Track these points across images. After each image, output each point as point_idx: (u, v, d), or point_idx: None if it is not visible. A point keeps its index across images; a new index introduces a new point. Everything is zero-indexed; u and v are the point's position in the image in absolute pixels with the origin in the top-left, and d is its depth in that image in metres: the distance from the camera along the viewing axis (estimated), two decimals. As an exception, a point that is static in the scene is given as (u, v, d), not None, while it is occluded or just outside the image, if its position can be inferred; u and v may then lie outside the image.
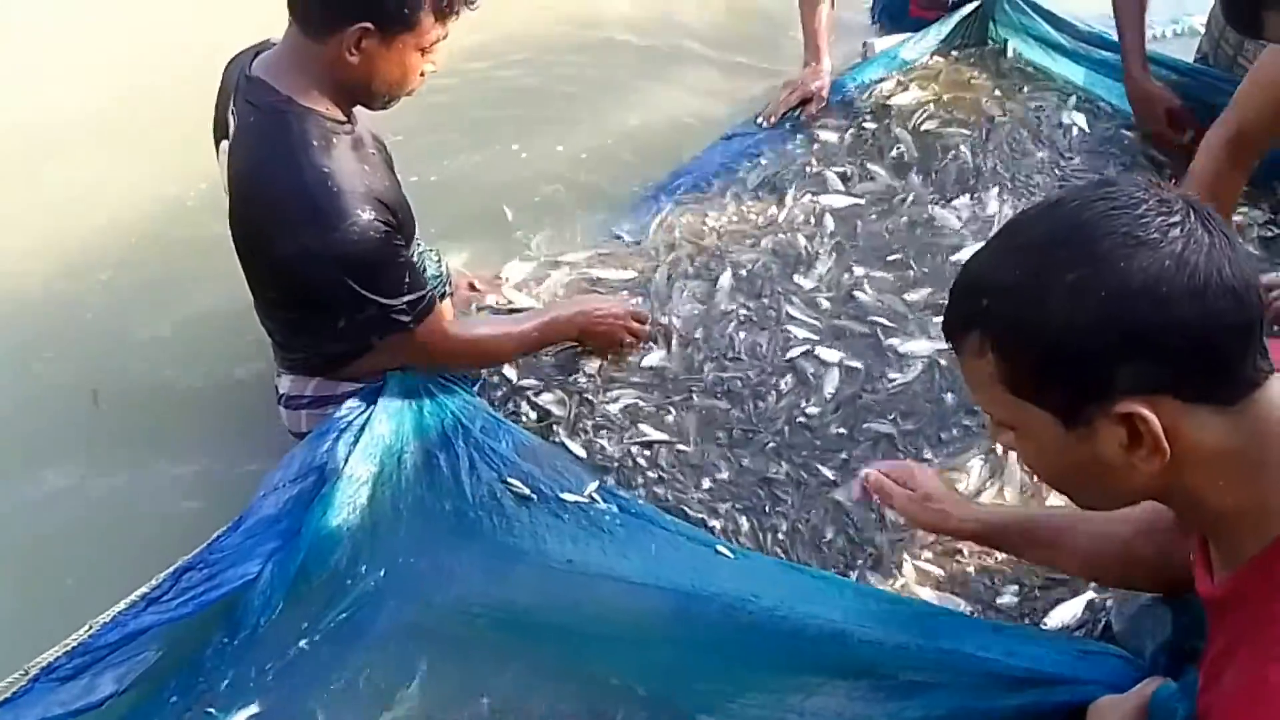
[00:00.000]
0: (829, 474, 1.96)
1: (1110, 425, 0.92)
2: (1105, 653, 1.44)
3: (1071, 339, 0.91)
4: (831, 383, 2.10)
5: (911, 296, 2.25)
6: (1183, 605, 1.36)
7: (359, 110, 1.82)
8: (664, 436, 2.02)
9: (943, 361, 2.10)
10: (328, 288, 1.74)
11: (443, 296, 2.05)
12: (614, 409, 2.07)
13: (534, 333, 2.03)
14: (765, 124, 2.67)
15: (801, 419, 2.04)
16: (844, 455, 1.99)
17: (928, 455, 1.97)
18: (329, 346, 1.89)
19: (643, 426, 2.04)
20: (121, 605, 1.65)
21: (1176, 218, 0.89)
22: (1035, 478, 1.67)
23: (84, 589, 1.76)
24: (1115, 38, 2.60)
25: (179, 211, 2.67)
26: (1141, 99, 2.54)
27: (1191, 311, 0.87)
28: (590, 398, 2.09)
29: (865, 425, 2.03)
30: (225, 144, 1.78)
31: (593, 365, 2.13)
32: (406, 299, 1.80)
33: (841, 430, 2.03)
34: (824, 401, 2.07)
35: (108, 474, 2.15)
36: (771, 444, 2.01)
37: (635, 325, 2.13)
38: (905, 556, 1.81)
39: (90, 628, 1.61)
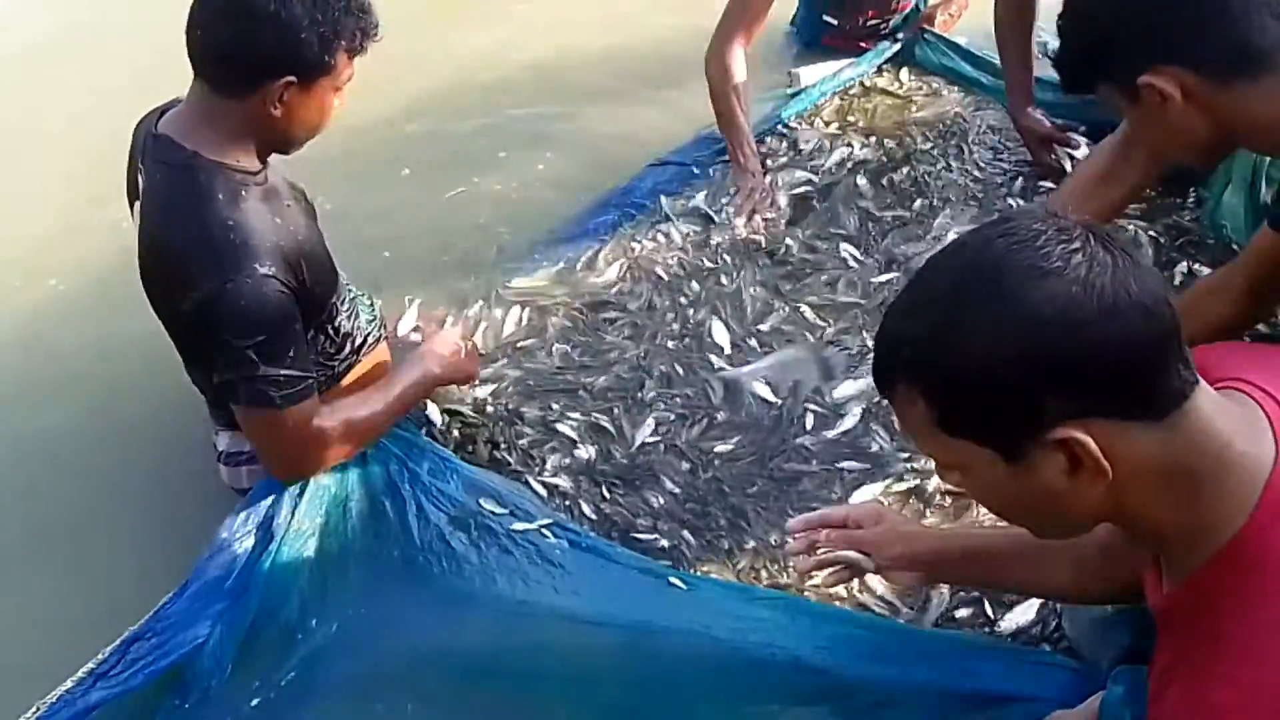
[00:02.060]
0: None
1: (1049, 454, 0.93)
2: (1055, 665, 1.46)
3: (994, 377, 0.91)
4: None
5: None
6: (1141, 613, 1.37)
7: (277, 161, 1.80)
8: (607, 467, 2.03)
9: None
10: (215, 340, 1.66)
11: (378, 341, 2.03)
12: (565, 429, 2.09)
13: (402, 402, 1.90)
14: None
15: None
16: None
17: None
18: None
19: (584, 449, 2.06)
20: (68, 684, 1.62)
21: (1076, 244, 0.90)
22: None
23: (31, 669, 1.70)
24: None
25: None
26: (1023, 133, 2.53)
27: (1106, 332, 0.88)
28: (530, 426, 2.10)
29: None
30: (138, 205, 1.75)
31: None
32: (285, 372, 1.69)
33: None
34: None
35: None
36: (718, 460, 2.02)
37: (468, 365, 2.07)
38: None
39: (37, 709, 1.58)
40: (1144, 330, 0.89)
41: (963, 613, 1.70)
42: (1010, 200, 2.44)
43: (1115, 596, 1.42)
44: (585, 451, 2.05)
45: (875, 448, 2.00)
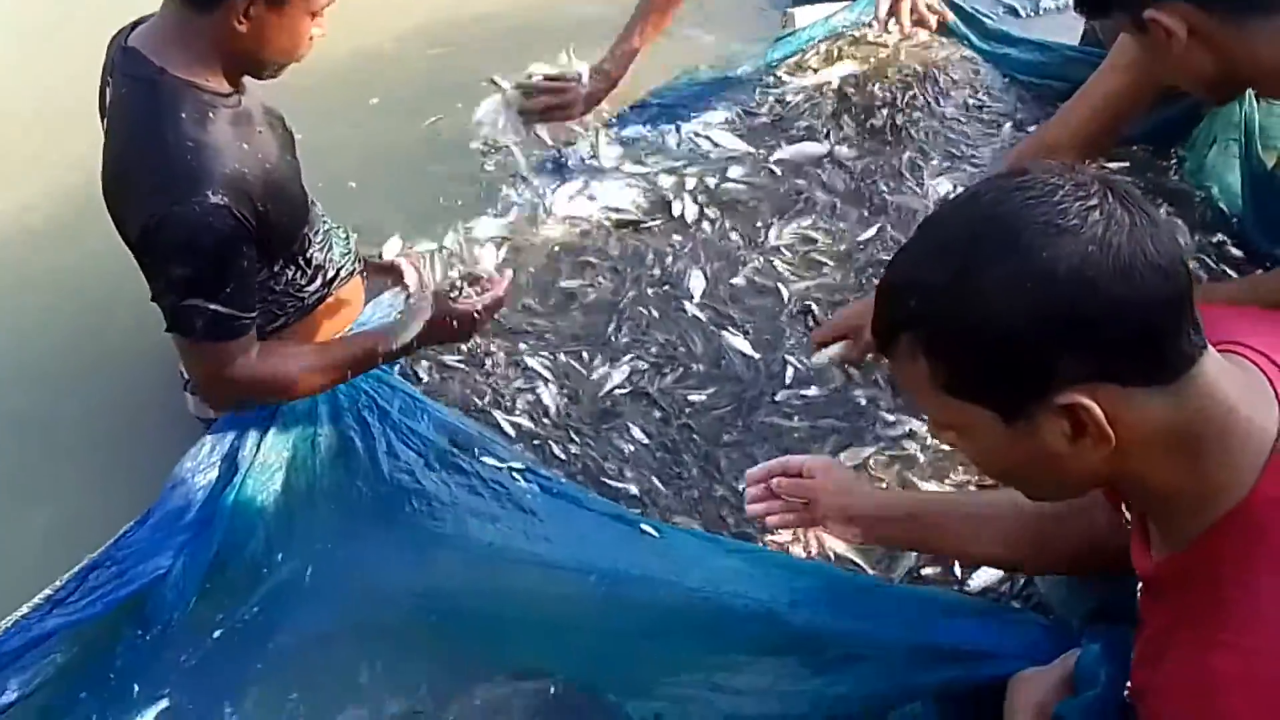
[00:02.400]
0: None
1: (1052, 418, 0.91)
2: (1027, 622, 1.45)
3: (1002, 335, 0.89)
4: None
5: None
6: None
7: (254, 86, 1.74)
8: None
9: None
10: (154, 264, 1.62)
11: (351, 274, 1.99)
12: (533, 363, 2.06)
13: (367, 360, 1.82)
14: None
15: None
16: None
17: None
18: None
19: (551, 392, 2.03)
20: (24, 609, 1.59)
21: (1094, 200, 0.88)
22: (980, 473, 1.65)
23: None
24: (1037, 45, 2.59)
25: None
26: None
27: (1121, 293, 0.86)
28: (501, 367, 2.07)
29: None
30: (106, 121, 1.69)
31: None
32: (213, 307, 1.62)
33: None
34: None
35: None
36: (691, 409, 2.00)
37: (486, 318, 1.97)
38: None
39: (-9, 634, 1.55)
40: (1158, 292, 0.87)
41: (930, 570, 1.69)
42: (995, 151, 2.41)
43: (1049, 569, 1.45)
44: (555, 393, 2.02)
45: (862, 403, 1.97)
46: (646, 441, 1.95)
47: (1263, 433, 0.92)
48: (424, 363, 2.05)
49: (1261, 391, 0.94)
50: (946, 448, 1.79)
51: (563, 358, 2.08)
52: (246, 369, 1.70)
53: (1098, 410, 0.89)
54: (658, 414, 1.99)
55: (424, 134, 2.71)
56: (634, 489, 1.88)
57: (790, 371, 2.04)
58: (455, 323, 1.90)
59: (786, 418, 1.97)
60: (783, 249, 2.27)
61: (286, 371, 1.75)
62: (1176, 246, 0.90)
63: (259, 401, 1.80)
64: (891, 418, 1.93)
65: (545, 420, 1.99)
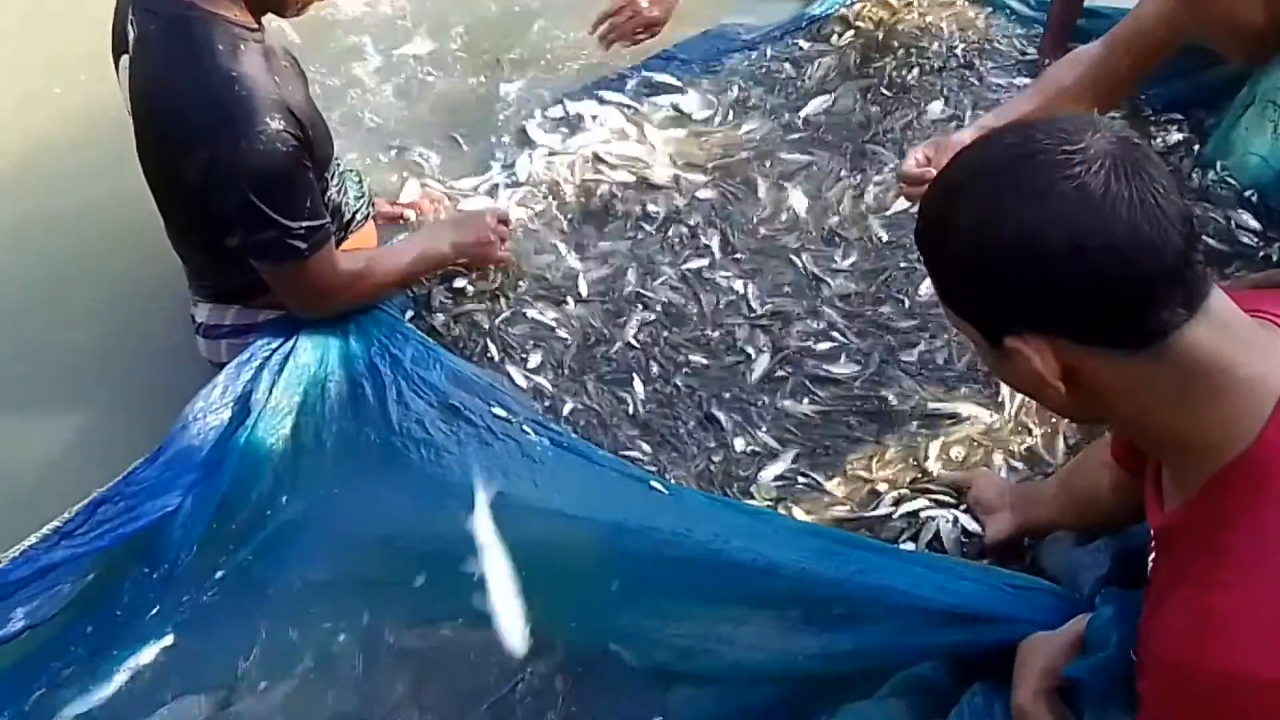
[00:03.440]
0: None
1: (1015, 352, 0.94)
2: (1038, 588, 1.44)
3: (963, 275, 0.96)
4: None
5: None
6: (1123, 538, 1.38)
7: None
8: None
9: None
10: (227, 201, 1.65)
11: (366, 219, 1.98)
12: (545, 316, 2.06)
13: (412, 266, 1.95)
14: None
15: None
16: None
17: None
18: (246, 273, 1.80)
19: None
20: (33, 539, 1.60)
21: (1095, 166, 0.88)
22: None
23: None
24: None
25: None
26: None
27: (1068, 269, 0.88)
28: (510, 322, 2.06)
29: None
30: (125, 59, 1.68)
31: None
32: (306, 224, 1.70)
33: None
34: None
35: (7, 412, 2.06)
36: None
37: (503, 230, 2.06)
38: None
39: (-1, 562, 1.55)
40: (1122, 270, 0.87)
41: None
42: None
43: None
44: (565, 348, 2.01)
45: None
46: (648, 398, 1.94)
47: (1267, 387, 0.91)
48: (438, 315, 2.04)
49: (1275, 349, 0.94)
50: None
51: (574, 310, 2.07)
52: (346, 270, 1.81)
53: (1038, 361, 0.93)
54: (657, 369, 1.98)
55: (444, 79, 2.67)
56: (641, 447, 1.87)
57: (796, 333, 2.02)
58: (471, 230, 2.00)
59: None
60: (799, 211, 2.24)
61: (378, 269, 1.88)
62: (1172, 228, 0.88)
63: (353, 304, 1.88)
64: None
65: (553, 374, 1.98)
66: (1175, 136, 2.22)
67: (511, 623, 1.65)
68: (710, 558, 1.57)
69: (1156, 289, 0.88)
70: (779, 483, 1.80)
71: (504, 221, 2.07)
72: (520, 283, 2.10)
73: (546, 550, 1.68)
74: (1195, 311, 0.90)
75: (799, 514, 1.75)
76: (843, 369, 1.94)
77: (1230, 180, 2.02)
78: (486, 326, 2.04)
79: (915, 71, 2.53)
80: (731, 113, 2.48)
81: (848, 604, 1.50)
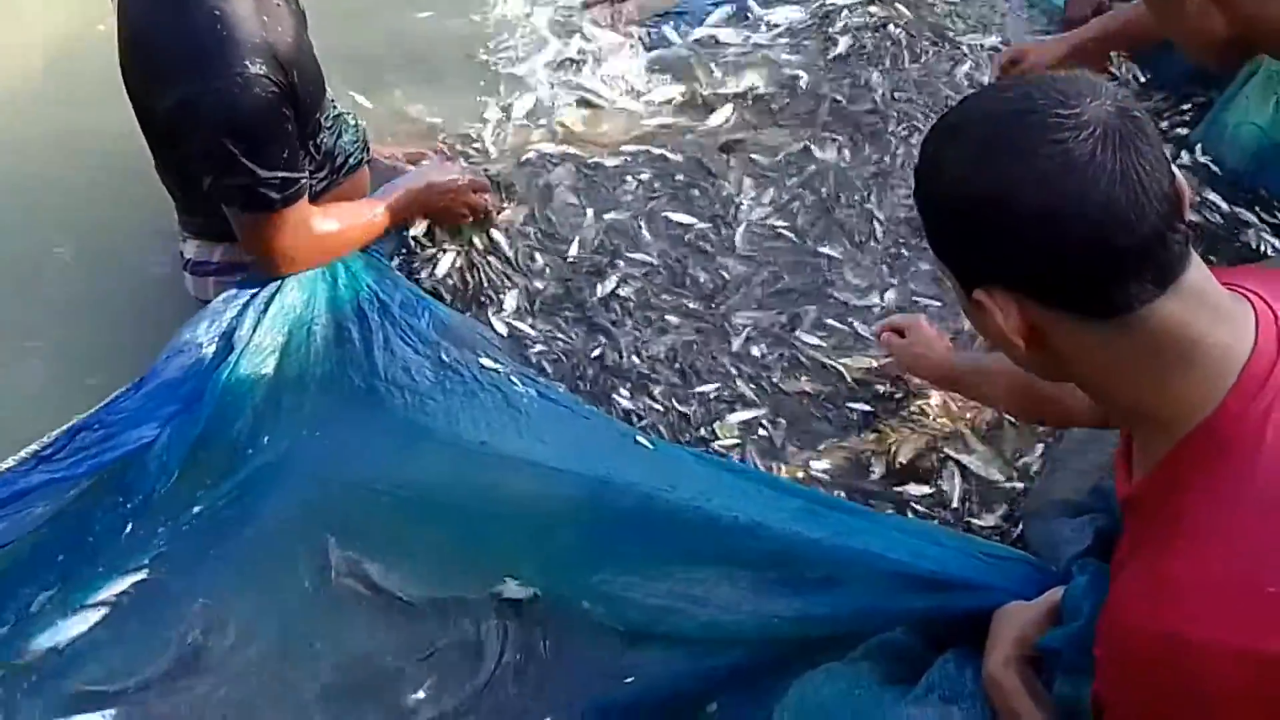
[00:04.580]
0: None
1: (983, 303, 0.95)
2: (1014, 558, 1.43)
3: (946, 222, 0.97)
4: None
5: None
6: (1105, 513, 1.37)
7: None
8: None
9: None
10: (201, 142, 1.61)
11: (359, 164, 1.96)
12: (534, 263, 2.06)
13: (383, 219, 1.91)
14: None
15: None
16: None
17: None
18: (232, 213, 1.78)
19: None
20: (10, 462, 1.59)
21: (1085, 134, 0.87)
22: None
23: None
24: None
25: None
26: (1068, 24, 2.39)
27: (1035, 234, 0.88)
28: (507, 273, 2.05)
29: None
30: None
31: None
32: (281, 174, 1.66)
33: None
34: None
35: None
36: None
37: (474, 200, 2.05)
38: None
39: (-24, 483, 1.54)
40: (1089, 242, 0.87)
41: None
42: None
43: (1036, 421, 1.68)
44: (550, 295, 2.02)
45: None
46: (632, 348, 1.94)
47: (1231, 357, 0.91)
48: (430, 266, 2.03)
49: (1243, 320, 0.93)
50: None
51: (564, 257, 2.07)
52: (319, 227, 1.76)
53: (1000, 316, 0.93)
54: (646, 320, 1.98)
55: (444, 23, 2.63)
56: (624, 398, 1.88)
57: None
58: (446, 183, 1.99)
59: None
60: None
61: (350, 226, 1.83)
62: (1150, 205, 0.87)
63: (326, 260, 1.84)
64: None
65: (536, 322, 1.98)
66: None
67: (487, 573, 1.65)
68: (692, 515, 1.56)
69: (1124, 264, 0.88)
70: (743, 428, 1.83)
71: (477, 189, 2.06)
72: (504, 228, 2.10)
73: (524, 499, 1.66)
74: (1167, 289, 0.89)
75: (757, 463, 1.78)
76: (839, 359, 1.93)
77: (1203, 162, 2.03)
78: (473, 277, 2.03)
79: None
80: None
81: (825, 566, 1.48)
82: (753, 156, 2.26)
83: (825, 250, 2.08)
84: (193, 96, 1.56)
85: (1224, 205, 1.99)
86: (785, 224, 2.14)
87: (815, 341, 1.94)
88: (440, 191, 2.00)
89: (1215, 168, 2.04)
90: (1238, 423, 0.90)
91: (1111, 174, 0.86)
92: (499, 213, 2.11)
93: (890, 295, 2.01)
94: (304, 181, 1.72)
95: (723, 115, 2.34)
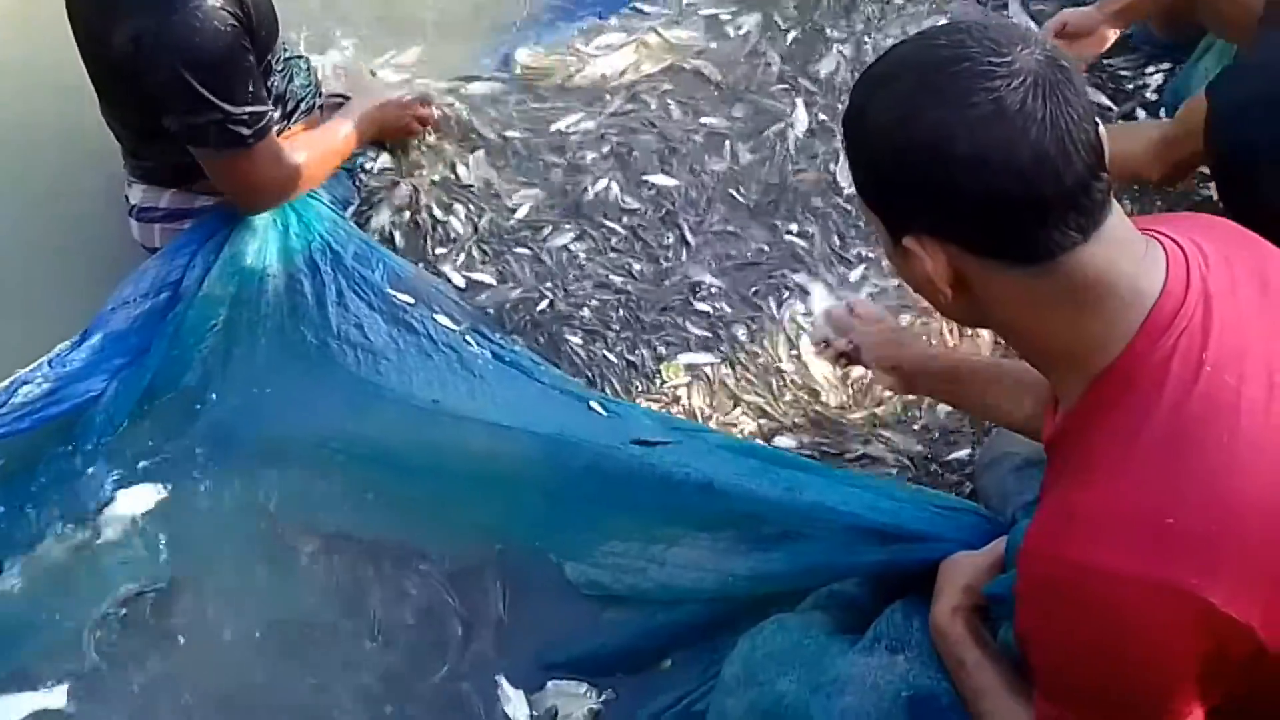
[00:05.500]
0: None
1: (911, 250, 0.95)
2: (965, 509, 1.44)
3: (875, 170, 0.97)
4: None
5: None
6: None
7: None
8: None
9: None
10: (157, 79, 1.58)
11: (311, 109, 1.93)
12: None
13: (346, 143, 1.91)
14: None
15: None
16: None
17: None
18: (182, 154, 1.72)
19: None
20: (-49, 417, 1.56)
21: (1015, 82, 0.87)
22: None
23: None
24: None
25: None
26: None
27: (967, 180, 0.88)
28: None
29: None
30: None
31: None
32: (250, 109, 1.63)
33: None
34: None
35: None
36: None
37: (423, 112, 2.06)
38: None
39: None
40: (1019, 189, 0.87)
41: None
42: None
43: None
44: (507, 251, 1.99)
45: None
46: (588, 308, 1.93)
47: (1145, 298, 0.93)
48: (385, 215, 2.00)
49: (1154, 263, 0.95)
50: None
51: (524, 214, 2.04)
52: (291, 160, 1.74)
53: (928, 263, 0.93)
54: (602, 279, 1.96)
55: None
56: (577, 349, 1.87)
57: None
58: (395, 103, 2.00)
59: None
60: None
61: (318, 153, 1.82)
62: (1076, 154, 0.88)
63: (302, 191, 1.82)
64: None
65: (488, 265, 1.97)
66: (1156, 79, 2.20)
67: (444, 530, 1.65)
68: (645, 471, 1.56)
69: (1050, 211, 0.89)
70: (691, 370, 1.83)
71: (422, 103, 2.08)
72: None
73: (481, 457, 1.65)
74: (1089, 236, 0.90)
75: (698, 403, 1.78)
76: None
77: None
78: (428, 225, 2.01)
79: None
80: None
81: (779, 522, 1.49)
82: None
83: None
84: (149, 30, 1.53)
85: None
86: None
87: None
88: (395, 106, 2.01)
89: None
90: (1144, 361, 0.92)
91: (1041, 123, 0.86)
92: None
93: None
94: (272, 114, 1.70)
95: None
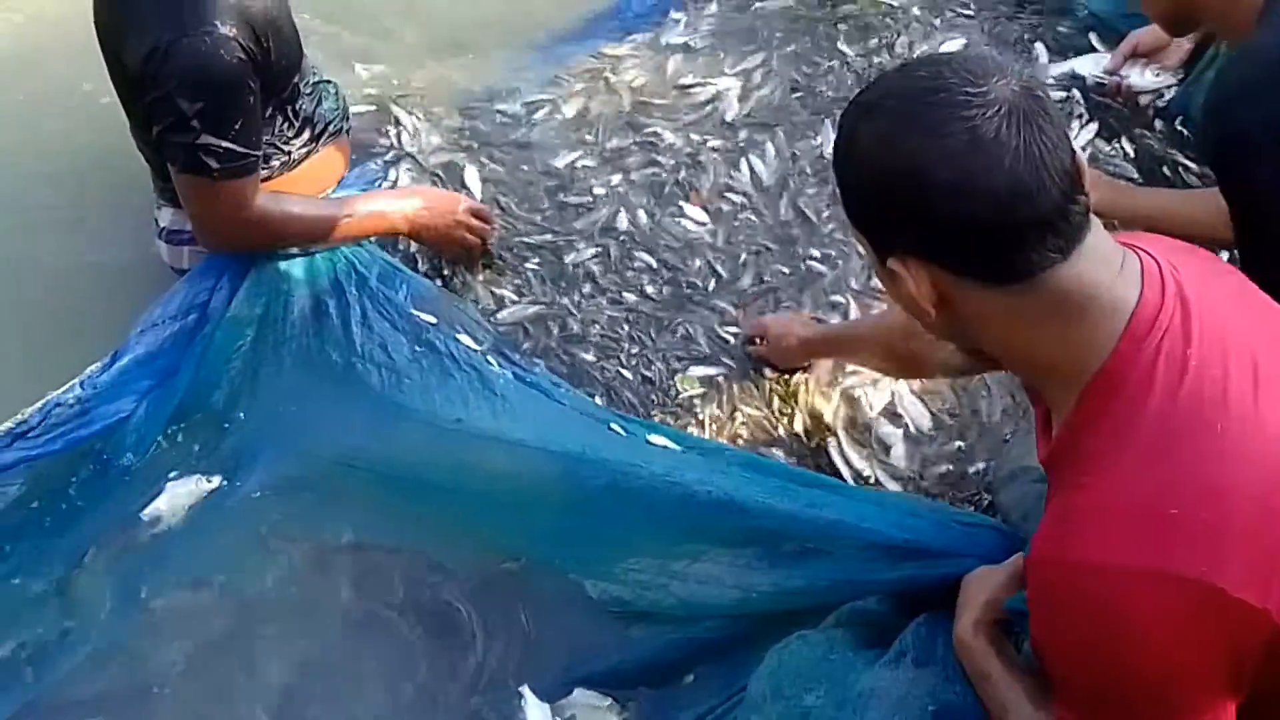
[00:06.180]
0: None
1: (897, 271, 0.99)
2: (984, 525, 1.46)
3: (861, 195, 1.01)
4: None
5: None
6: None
7: None
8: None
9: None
10: (158, 96, 1.59)
11: (339, 132, 1.95)
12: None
13: (356, 221, 1.82)
14: None
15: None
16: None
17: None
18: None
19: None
20: (-15, 440, 1.58)
21: (991, 112, 0.91)
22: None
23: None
24: None
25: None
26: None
27: (949, 207, 0.92)
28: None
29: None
30: None
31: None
32: (227, 145, 1.61)
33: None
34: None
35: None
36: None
37: (475, 224, 1.94)
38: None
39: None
40: (998, 216, 0.91)
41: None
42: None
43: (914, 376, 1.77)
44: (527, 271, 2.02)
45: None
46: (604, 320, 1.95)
47: (1125, 305, 0.96)
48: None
49: (1131, 272, 0.98)
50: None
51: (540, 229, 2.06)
52: (259, 210, 1.70)
53: (912, 284, 0.98)
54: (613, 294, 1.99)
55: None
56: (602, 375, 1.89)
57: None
58: (439, 214, 1.91)
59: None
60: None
61: (304, 216, 1.77)
62: (1051, 180, 0.91)
63: (257, 246, 1.79)
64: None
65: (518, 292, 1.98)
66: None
67: (467, 547, 1.66)
68: (666, 490, 1.57)
69: (1027, 235, 0.92)
70: (704, 383, 1.87)
71: (480, 217, 1.96)
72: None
73: (503, 476, 1.67)
74: (1069, 255, 0.94)
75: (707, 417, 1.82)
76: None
77: (1180, 130, 2.11)
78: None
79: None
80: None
81: (799, 539, 1.50)
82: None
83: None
84: (162, 46, 1.55)
85: (1195, 166, 2.08)
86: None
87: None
88: (435, 215, 1.90)
89: (1187, 133, 2.13)
90: (1130, 365, 0.95)
91: (1016, 151, 0.90)
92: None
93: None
94: (252, 160, 1.67)
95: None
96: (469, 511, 1.68)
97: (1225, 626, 0.88)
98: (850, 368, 1.86)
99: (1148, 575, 0.89)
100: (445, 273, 2.00)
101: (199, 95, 1.57)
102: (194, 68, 1.55)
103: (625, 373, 1.89)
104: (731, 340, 1.92)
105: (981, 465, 1.74)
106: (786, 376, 1.86)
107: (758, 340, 1.88)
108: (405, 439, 1.73)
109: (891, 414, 1.82)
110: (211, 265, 1.79)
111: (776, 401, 1.85)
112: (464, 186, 2.10)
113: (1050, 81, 2.17)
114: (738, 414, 1.83)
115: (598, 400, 1.84)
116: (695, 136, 2.22)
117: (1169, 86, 2.08)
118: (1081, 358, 0.97)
